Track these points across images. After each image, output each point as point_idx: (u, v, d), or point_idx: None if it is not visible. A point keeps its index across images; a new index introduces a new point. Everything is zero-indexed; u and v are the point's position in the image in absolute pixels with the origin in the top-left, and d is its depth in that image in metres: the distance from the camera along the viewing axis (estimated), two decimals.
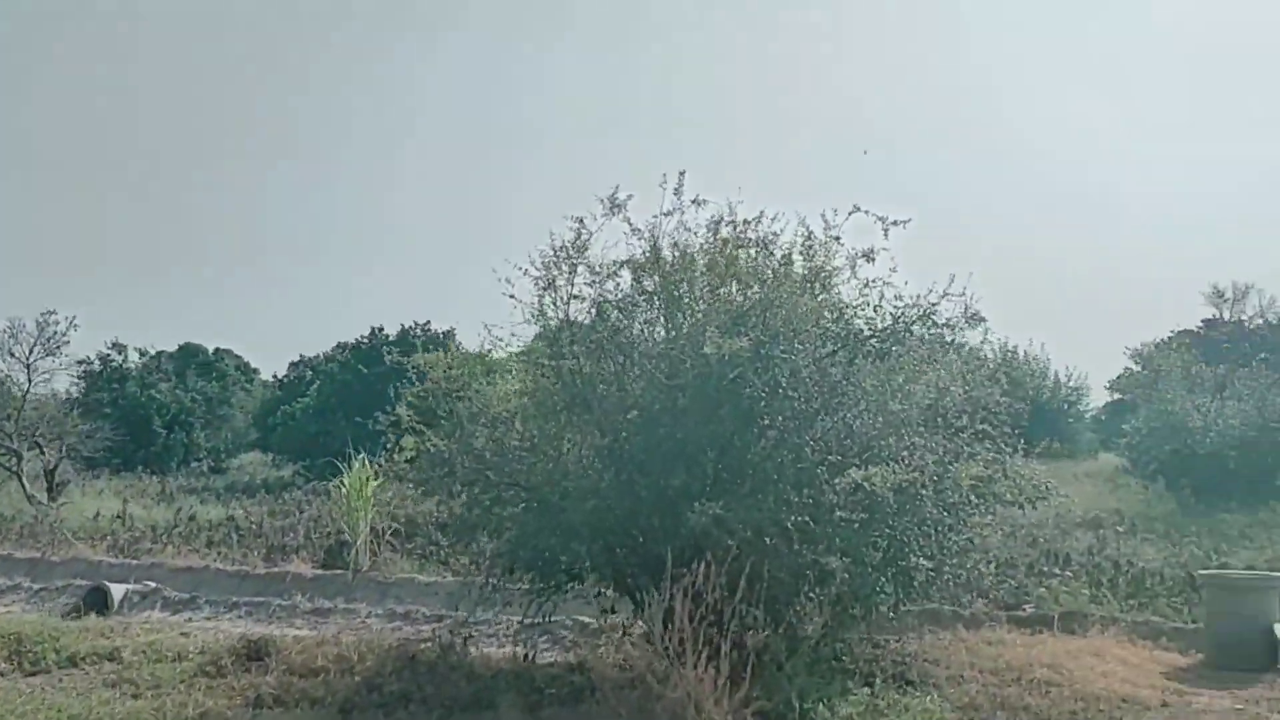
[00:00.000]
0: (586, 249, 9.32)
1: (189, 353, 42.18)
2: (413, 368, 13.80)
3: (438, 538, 15.00)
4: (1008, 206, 61.17)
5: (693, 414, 8.47)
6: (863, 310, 9.10)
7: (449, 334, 33.02)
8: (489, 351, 10.70)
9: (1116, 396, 37.76)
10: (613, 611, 9.68)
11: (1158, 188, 60.08)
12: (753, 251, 9.24)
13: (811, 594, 7.95)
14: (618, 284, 9.63)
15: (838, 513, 8.04)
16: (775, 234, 9.24)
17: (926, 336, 9.44)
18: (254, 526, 18.72)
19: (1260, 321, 37.19)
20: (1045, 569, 13.23)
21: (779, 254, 9.23)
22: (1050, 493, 9.65)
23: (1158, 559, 14.52)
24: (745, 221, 9.45)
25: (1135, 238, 58.88)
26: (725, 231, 9.48)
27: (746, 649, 7.77)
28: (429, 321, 35.15)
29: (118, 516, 20.48)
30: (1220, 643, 9.85)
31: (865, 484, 7.84)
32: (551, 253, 9.38)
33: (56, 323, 29.37)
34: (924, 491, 8.38)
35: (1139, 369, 32.64)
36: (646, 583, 8.22)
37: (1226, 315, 37.74)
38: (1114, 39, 62.36)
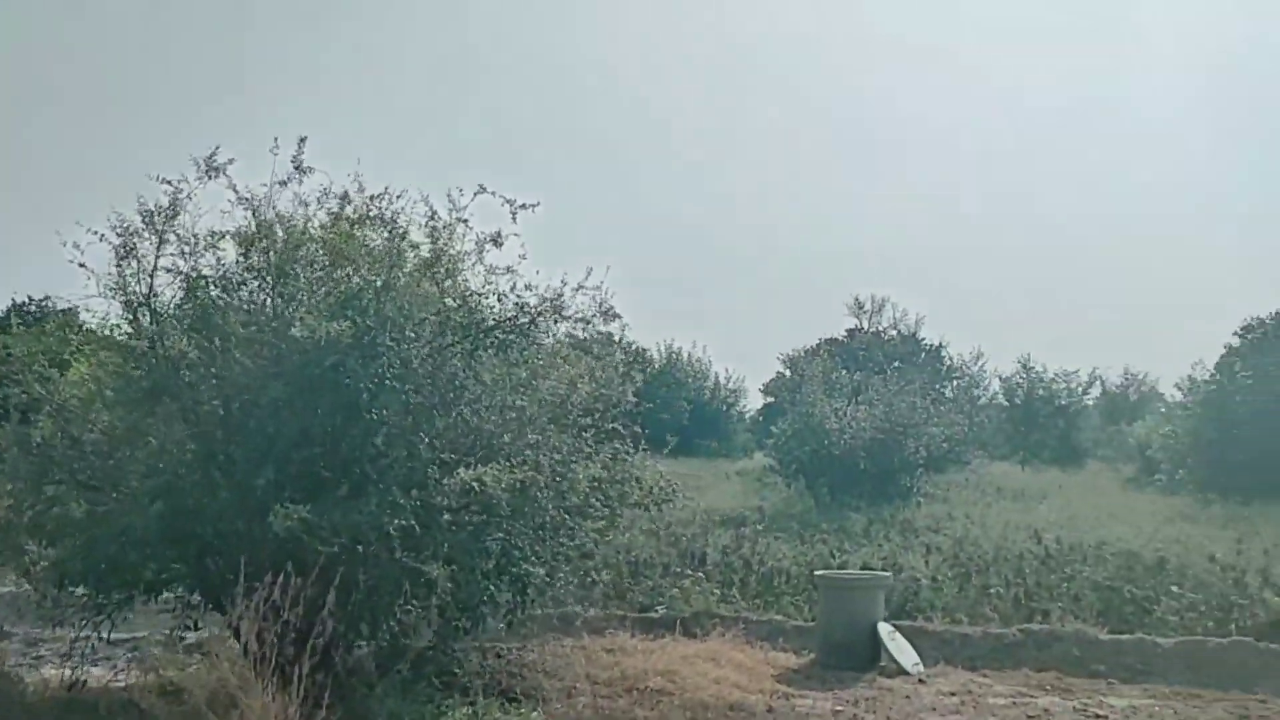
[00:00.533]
0: (177, 215, 8.16)
1: None
2: None
3: None
4: (676, 208, 63.32)
5: (288, 405, 7.56)
6: (486, 299, 8.50)
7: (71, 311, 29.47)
8: (64, 329, 9.24)
9: (770, 400, 39.76)
10: (195, 627, 8.55)
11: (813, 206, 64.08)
12: (370, 230, 8.43)
13: (411, 606, 7.26)
14: (220, 258, 8.55)
15: (445, 516, 7.40)
16: (397, 212, 8.48)
17: (556, 330, 9.00)
18: None
19: (894, 332, 40.46)
20: (679, 569, 13.26)
21: (400, 234, 8.47)
22: (675, 494, 9.50)
23: (788, 558, 14.97)
24: (372, 198, 8.66)
25: (791, 249, 62.64)
26: (343, 206, 8.66)
27: (336, 668, 7.01)
28: (47, 297, 31.38)
29: None
30: (831, 642, 10.09)
31: (475, 485, 7.23)
32: (138, 218, 8.16)
33: None
34: (543, 493, 7.92)
35: (788, 374, 34.48)
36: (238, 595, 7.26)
37: (866, 325, 40.81)
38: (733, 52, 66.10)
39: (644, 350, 42.98)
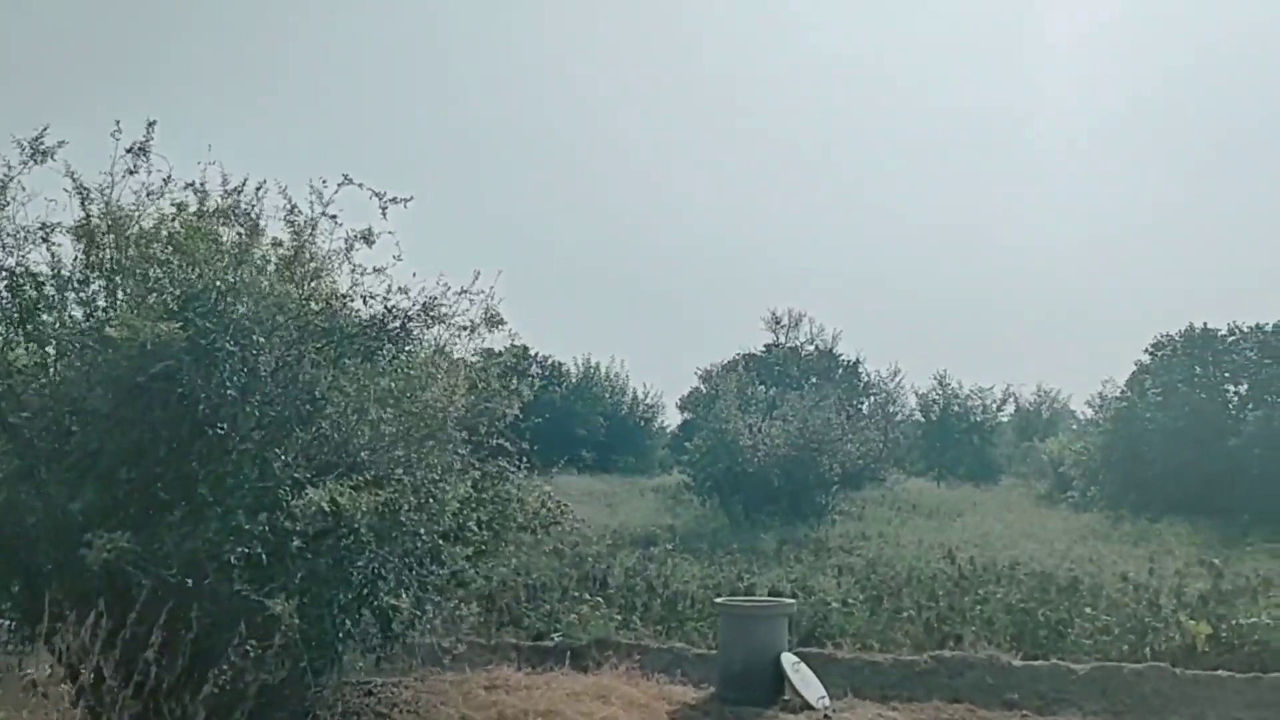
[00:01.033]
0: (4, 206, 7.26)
1: None
2: None
3: None
4: (591, 229, 62.77)
5: (113, 417, 6.68)
6: (352, 302, 7.71)
7: None
8: None
9: (688, 415, 39.25)
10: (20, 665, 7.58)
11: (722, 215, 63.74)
12: (224, 226, 7.59)
13: (250, 646, 6.43)
14: (55, 253, 7.64)
15: (295, 542, 6.58)
16: (252, 205, 7.65)
17: (434, 337, 8.23)
18: None
19: (811, 348, 40.31)
20: (577, 594, 12.52)
21: (256, 229, 7.65)
22: (564, 516, 8.79)
23: (695, 580, 14.34)
24: (227, 191, 7.83)
25: (712, 263, 62.36)
26: (201, 200, 7.81)
27: (165, 716, 6.16)
28: None
29: None
30: (730, 675, 9.42)
31: (326, 507, 6.42)
32: None
33: None
34: (411, 516, 7.14)
35: (704, 389, 34.01)
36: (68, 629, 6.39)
37: (783, 340, 40.57)
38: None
39: (560, 365, 42.39)
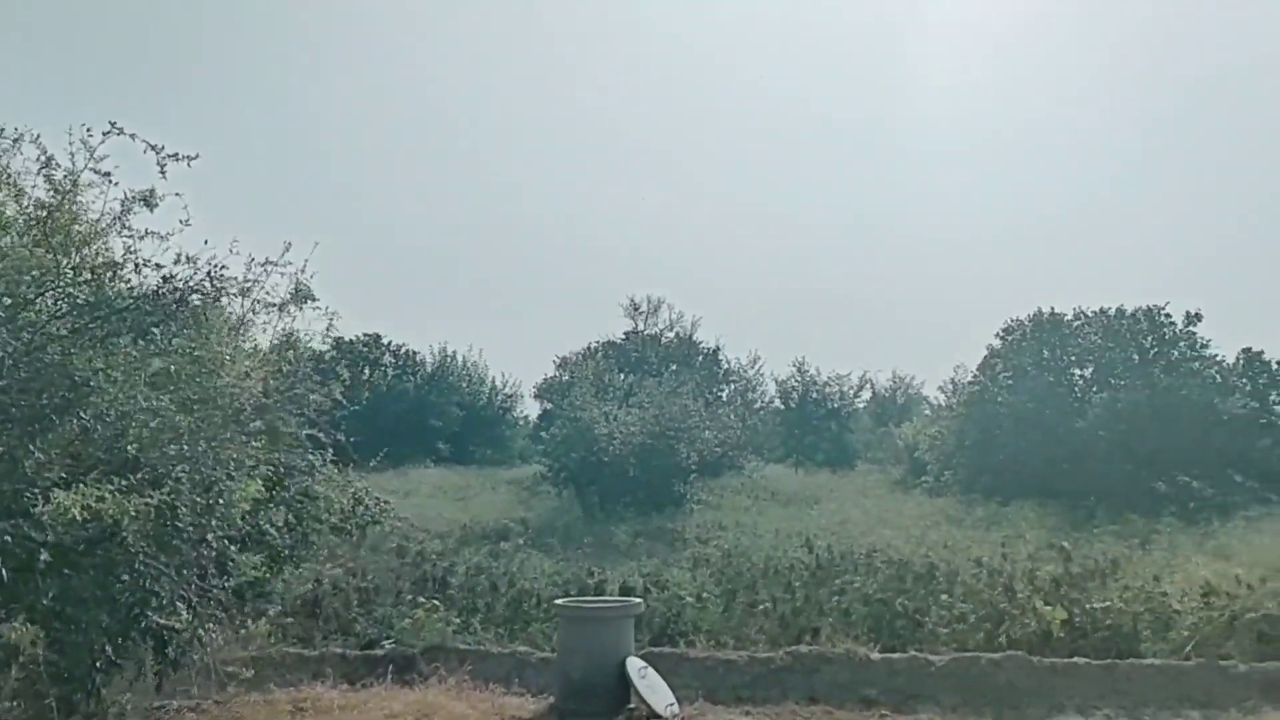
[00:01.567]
0: None
1: None
2: None
3: None
4: (450, 203, 61.13)
5: None
6: (123, 270, 6.64)
7: None
8: None
9: (547, 405, 38.34)
10: None
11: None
12: None
13: None
14: None
15: (43, 555, 5.53)
16: None
17: (229, 313, 7.22)
18: None
19: (671, 334, 39.87)
20: (413, 596, 11.57)
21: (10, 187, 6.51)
22: (385, 515, 7.88)
23: (543, 576, 13.54)
24: None
25: (571, 248, 61.48)
26: None
27: None
28: None
29: None
30: (570, 683, 8.64)
31: (78, 513, 5.39)
32: None
33: None
34: (191, 520, 6.15)
35: (564, 376, 33.19)
36: None
37: (642, 327, 40.00)
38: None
39: (415, 354, 40.93)
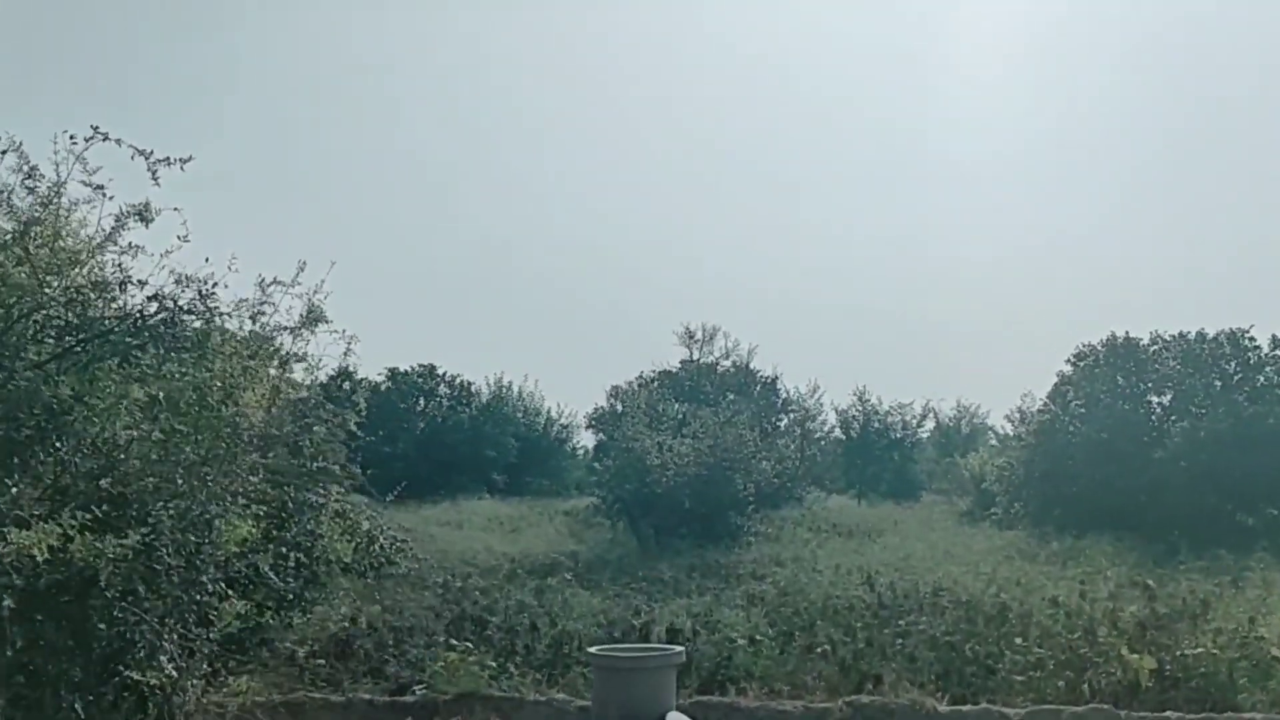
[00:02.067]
0: None
1: None
2: None
3: None
4: (498, 234, 60.96)
5: None
6: (109, 291, 6.11)
7: None
8: None
9: (601, 436, 37.78)
10: None
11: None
12: None
13: None
14: None
15: (7, 602, 4.96)
16: None
17: (231, 335, 6.66)
18: None
19: (728, 363, 39.12)
20: (446, 637, 10.91)
21: None
22: (404, 554, 7.25)
23: (589, 617, 12.83)
24: None
25: (628, 279, 60.96)
26: None
27: None
28: None
29: None
30: None
31: (39, 554, 4.82)
32: None
33: None
34: (193, 563, 5.56)
35: (619, 406, 32.57)
36: None
37: (697, 356, 39.33)
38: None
39: (469, 384, 40.63)
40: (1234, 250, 51.90)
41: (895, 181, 60.17)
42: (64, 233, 6.10)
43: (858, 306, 57.82)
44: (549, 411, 41.98)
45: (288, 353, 7.06)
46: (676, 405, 26.41)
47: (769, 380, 38.76)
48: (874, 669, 10.75)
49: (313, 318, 6.95)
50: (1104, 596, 13.57)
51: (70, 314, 5.92)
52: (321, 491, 6.80)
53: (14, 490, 5.47)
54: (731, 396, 32.71)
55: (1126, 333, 26.53)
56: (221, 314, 6.26)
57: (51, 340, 5.81)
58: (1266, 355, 25.03)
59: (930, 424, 41.12)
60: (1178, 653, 10.44)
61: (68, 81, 50.96)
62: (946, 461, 36.88)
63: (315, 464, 6.84)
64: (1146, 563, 18.14)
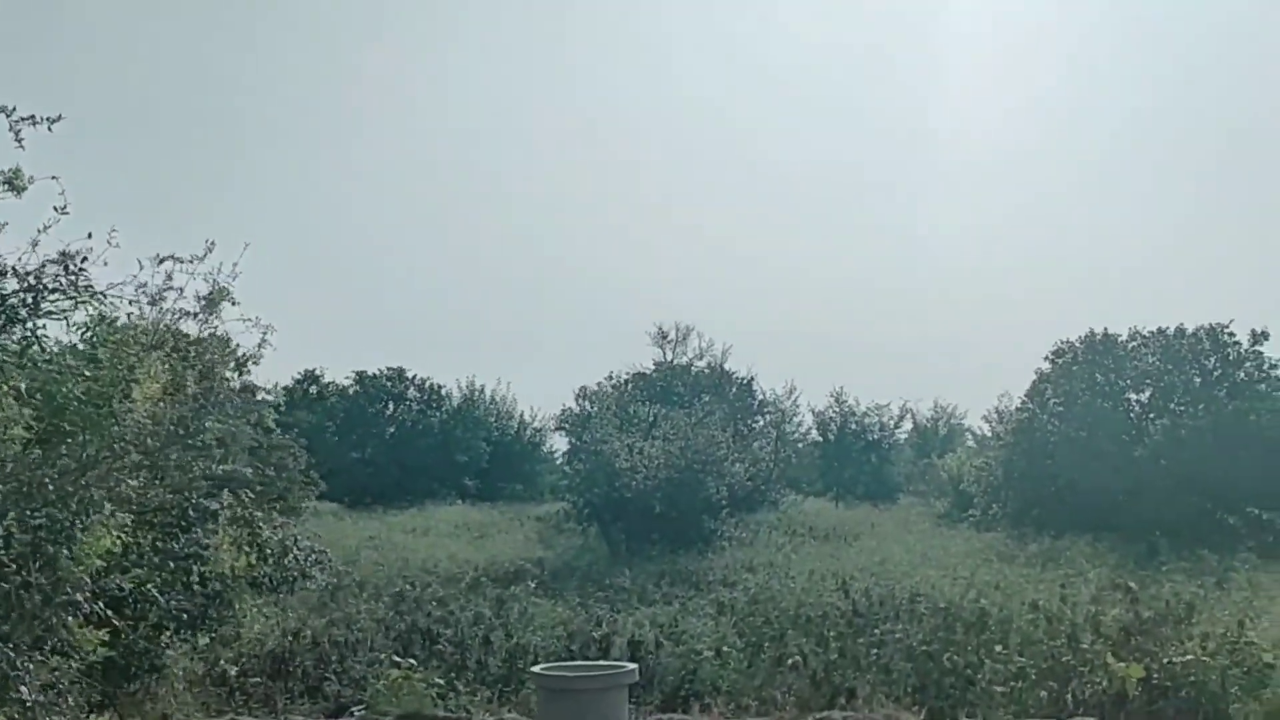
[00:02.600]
0: None
1: None
2: None
3: None
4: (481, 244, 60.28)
5: None
6: None
7: None
8: None
9: (573, 439, 37.12)
10: None
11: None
12: None
13: None
14: None
15: None
16: None
17: (121, 319, 5.96)
18: None
19: (701, 364, 38.45)
20: (391, 653, 10.21)
21: None
22: (323, 566, 6.56)
23: (547, 629, 12.16)
24: None
25: (597, 278, 60.22)
26: None
27: None
28: None
29: None
30: None
31: None
32: None
33: None
34: (45, 580, 4.84)
35: (590, 408, 31.87)
36: None
37: (670, 356, 38.63)
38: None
39: (440, 387, 39.85)
40: (1216, 245, 51.62)
41: (873, 183, 59.73)
42: None
43: (834, 308, 57.38)
44: (522, 415, 41.30)
45: (245, 354, 6.36)
46: (647, 407, 25.76)
47: (744, 381, 38.16)
48: (847, 682, 10.24)
49: (215, 298, 6.24)
50: (1085, 600, 13.08)
51: None
52: (224, 499, 6.09)
53: None
54: (706, 398, 32.09)
55: (1105, 329, 26.13)
56: (98, 294, 5.54)
57: None
58: (1247, 351, 24.64)
59: (908, 425, 40.69)
60: (1165, 660, 9.87)
61: None
62: (924, 463, 36.43)
63: (221, 467, 6.14)
64: (1127, 564, 17.74)
